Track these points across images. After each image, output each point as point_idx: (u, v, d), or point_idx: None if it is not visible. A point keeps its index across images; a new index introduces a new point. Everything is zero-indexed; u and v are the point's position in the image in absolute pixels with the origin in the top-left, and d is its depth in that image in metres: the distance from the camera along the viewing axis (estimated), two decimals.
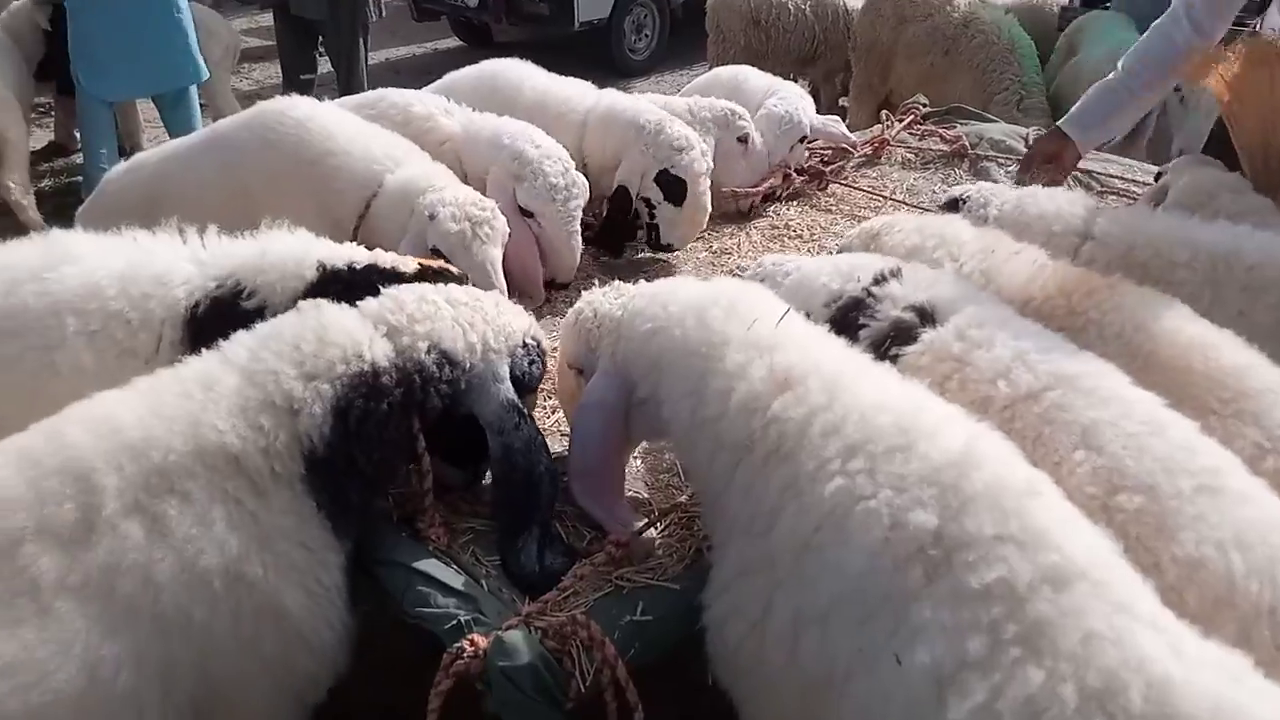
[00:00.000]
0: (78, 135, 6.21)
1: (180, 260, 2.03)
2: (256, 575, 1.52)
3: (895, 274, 2.03)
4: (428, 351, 1.76)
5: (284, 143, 2.73)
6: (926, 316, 1.91)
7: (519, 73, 3.44)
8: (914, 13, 6.03)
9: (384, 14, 6.93)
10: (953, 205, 2.74)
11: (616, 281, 2.01)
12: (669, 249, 3.20)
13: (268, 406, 1.60)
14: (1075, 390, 1.66)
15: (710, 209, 3.19)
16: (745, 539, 1.53)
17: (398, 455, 1.78)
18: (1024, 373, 1.72)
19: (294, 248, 2.11)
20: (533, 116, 3.17)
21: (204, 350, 1.73)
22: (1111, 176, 3.65)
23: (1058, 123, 3.16)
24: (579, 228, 2.89)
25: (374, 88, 3.44)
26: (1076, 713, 1.11)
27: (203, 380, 1.61)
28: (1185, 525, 1.45)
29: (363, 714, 2.15)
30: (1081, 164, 3.36)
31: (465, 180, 2.79)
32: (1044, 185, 2.76)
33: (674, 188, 3.09)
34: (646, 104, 3.28)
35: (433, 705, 1.58)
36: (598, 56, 9.61)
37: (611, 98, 3.32)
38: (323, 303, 1.78)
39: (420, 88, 3.28)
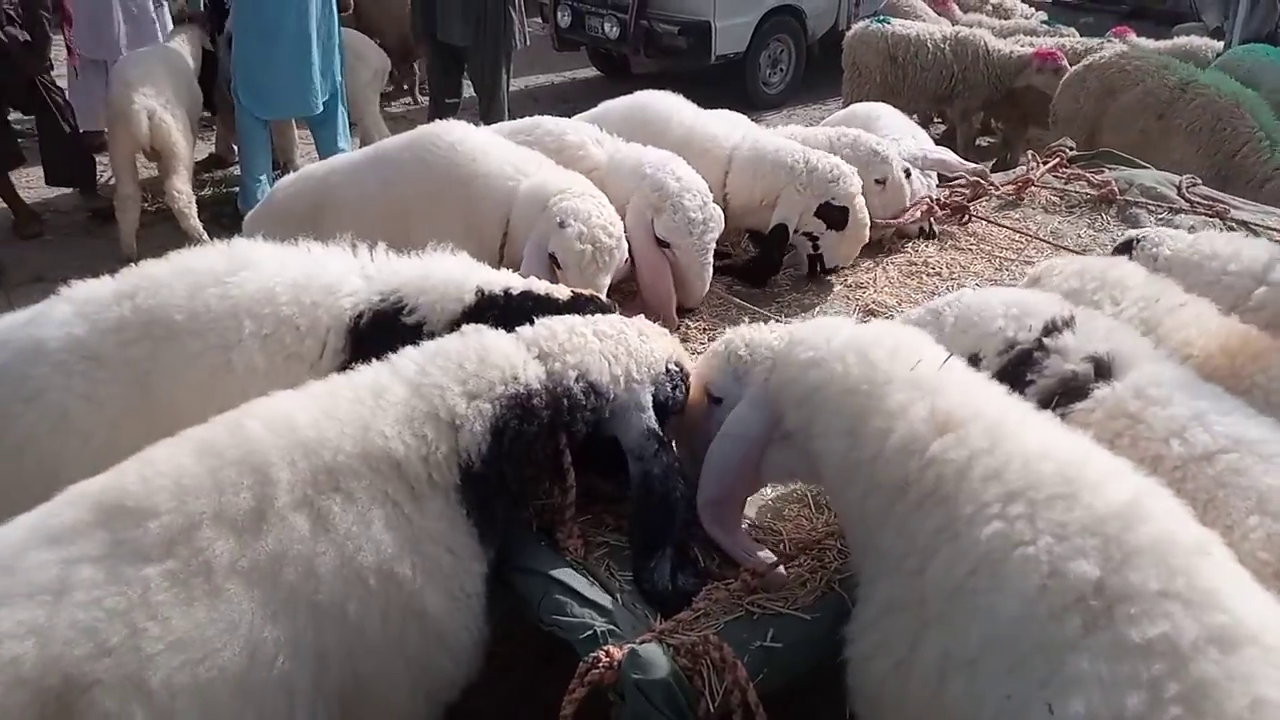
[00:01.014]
0: (236, 149, 6.61)
1: (349, 273, 2.15)
2: (405, 576, 1.58)
3: (1069, 323, 1.97)
4: (576, 380, 1.83)
5: (438, 164, 2.88)
6: (1103, 370, 1.86)
7: (668, 105, 3.53)
8: (1123, 82, 5.82)
9: (528, 43, 7.12)
10: (1126, 247, 2.67)
11: (772, 321, 2.04)
12: (833, 272, 3.29)
13: (432, 419, 1.68)
14: (1253, 455, 1.62)
15: (869, 225, 3.25)
16: (895, 576, 1.52)
17: (543, 473, 1.85)
18: (1200, 433, 1.68)
19: (455, 271, 2.20)
20: (679, 150, 3.26)
21: (364, 359, 1.83)
22: (1270, 228, 3.49)
23: None
24: (711, 259, 2.94)
25: (513, 115, 3.58)
26: None
27: (374, 389, 1.70)
28: None
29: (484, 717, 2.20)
30: (1237, 213, 3.23)
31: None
32: None
33: (837, 215, 3.18)
34: (786, 142, 3.34)
35: (566, 712, 1.61)
36: (732, 89, 9.67)
37: (754, 138, 3.38)
38: (483, 328, 1.86)
39: (557, 115, 3.40)
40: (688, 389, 2.05)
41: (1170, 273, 2.43)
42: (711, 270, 2.96)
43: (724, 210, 3.11)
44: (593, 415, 1.85)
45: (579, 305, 2.20)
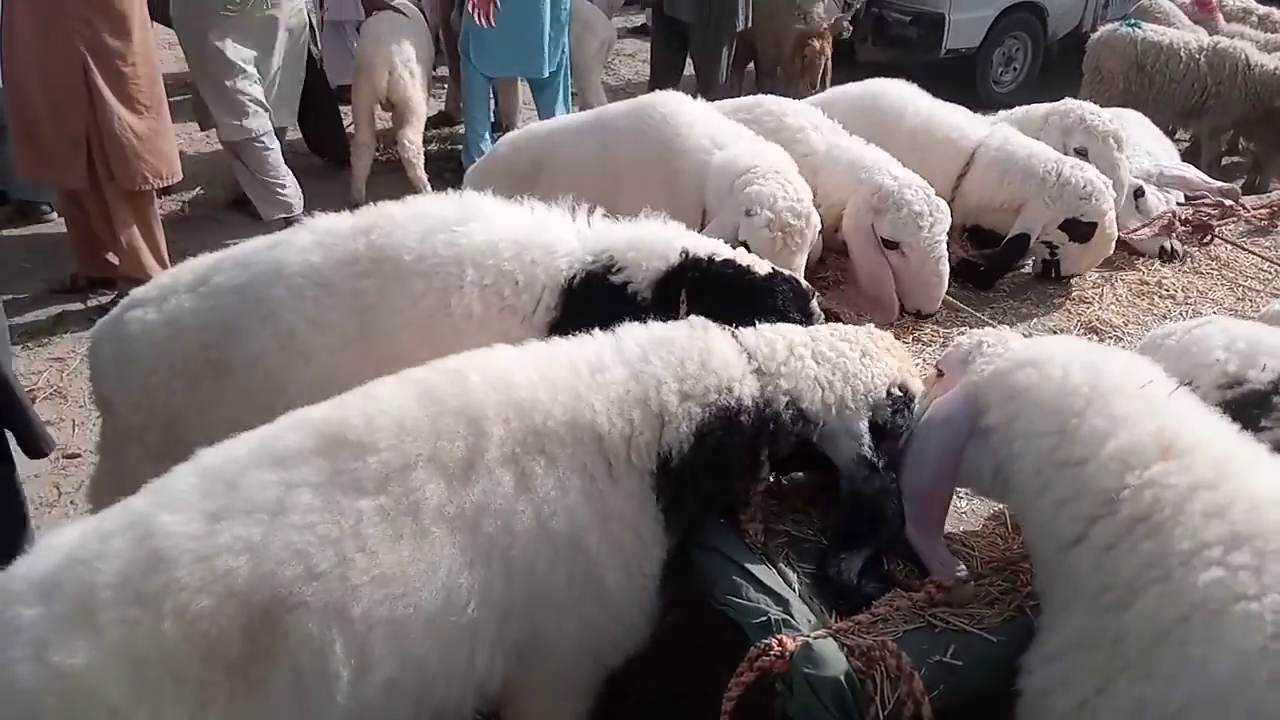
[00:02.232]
0: (462, 108, 6.91)
1: (567, 234, 2.21)
2: (591, 546, 1.63)
3: None
4: (786, 406, 1.82)
5: (650, 133, 2.94)
6: None
7: (902, 94, 3.44)
8: None
9: (750, 23, 7.08)
10: None
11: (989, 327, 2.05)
12: (1066, 279, 3.18)
13: (642, 405, 1.70)
14: None
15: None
16: (1090, 610, 1.45)
17: (739, 480, 1.85)
18: None
19: (663, 233, 2.24)
20: (913, 137, 3.20)
21: (574, 316, 1.89)
22: None
23: None
24: (945, 253, 2.84)
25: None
26: None
27: (593, 363, 1.73)
28: None
29: (641, 688, 2.24)
30: None
31: (814, 197, 2.80)
32: None
33: (1083, 230, 3.07)
34: (1039, 147, 3.20)
35: (731, 694, 1.61)
36: (960, 85, 9.30)
37: (1005, 137, 3.25)
38: (711, 325, 1.86)
39: None
40: (912, 410, 1.95)
41: None
42: (947, 269, 2.86)
43: (951, 205, 3.01)
44: (798, 440, 1.84)
45: (778, 281, 2.20)
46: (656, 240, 2.19)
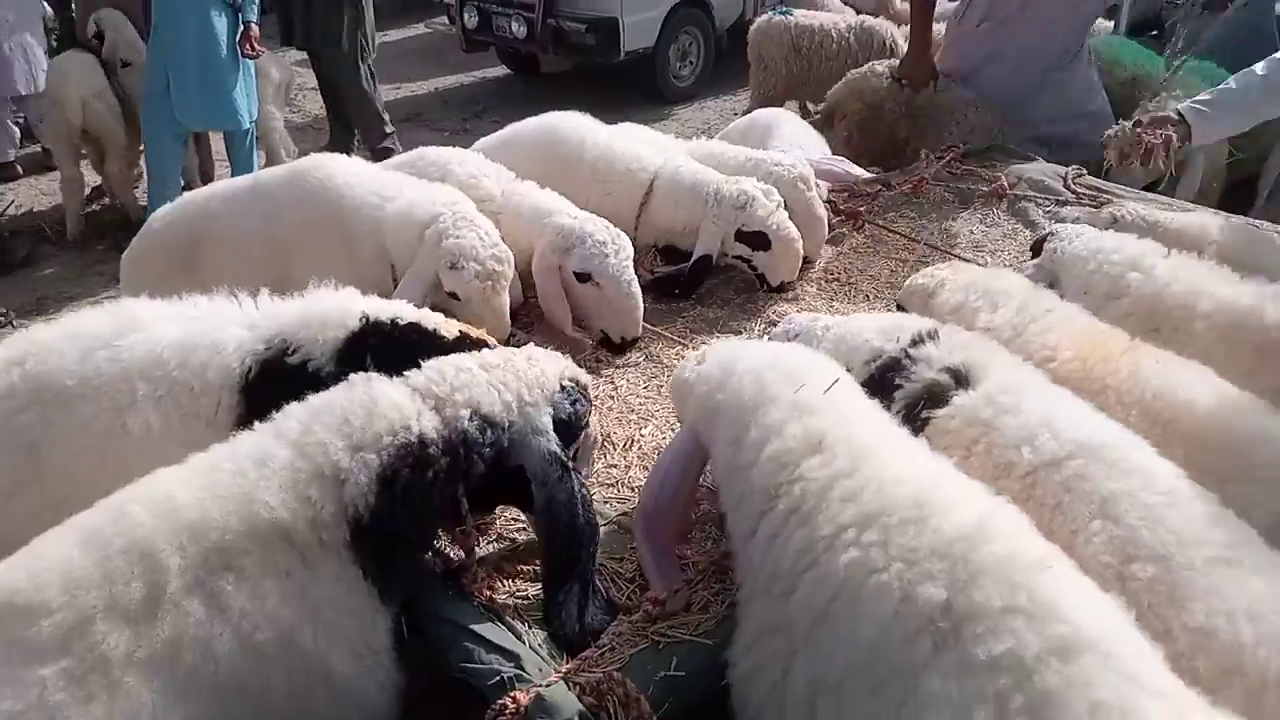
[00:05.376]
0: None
1: (234, 325, 2.15)
2: (307, 643, 1.60)
3: (933, 335, 2.10)
4: (470, 419, 1.83)
5: (313, 201, 2.92)
6: (961, 379, 1.98)
7: (579, 126, 3.56)
8: None
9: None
10: (1038, 246, 2.87)
11: (703, 346, 2.23)
12: (783, 289, 3.34)
13: (316, 478, 1.67)
14: (1098, 460, 1.71)
15: (799, 237, 3.30)
16: (767, 599, 1.61)
17: (442, 521, 1.86)
18: (1049, 440, 1.77)
19: (338, 302, 2.22)
20: (595, 169, 3.33)
21: (260, 408, 1.84)
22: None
23: (1181, 107, 3.28)
24: (634, 277, 2.96)
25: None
26: None
27: (256, 456, 1.69)
28: (1197, 596, 1.50)
29: None
30: (1120, 203, 3.37)
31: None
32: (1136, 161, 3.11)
33: (756, 239, 3.26)
34: (704, 172, 3.40)
35: None
36: (643, 83, 9.73)
37: (675, 165, 3.43)
38: (373, 376, 1.86)
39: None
40: (588, 400, 2.09)
41: (1064, 270, 2.58)
42: (640, 292, 2.97)
43: (642, 231, 3.26)
44: (491, 450, 1.85)
45: (467, 344, 2.22)
46: (331, 311, 2.17)
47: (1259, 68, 3.15)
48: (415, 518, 1.77)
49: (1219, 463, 1.79)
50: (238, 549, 1.58)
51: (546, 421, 1.94)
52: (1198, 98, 3.31)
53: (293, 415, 1.78)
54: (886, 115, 5.03)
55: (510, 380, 1.92)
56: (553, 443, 1.92)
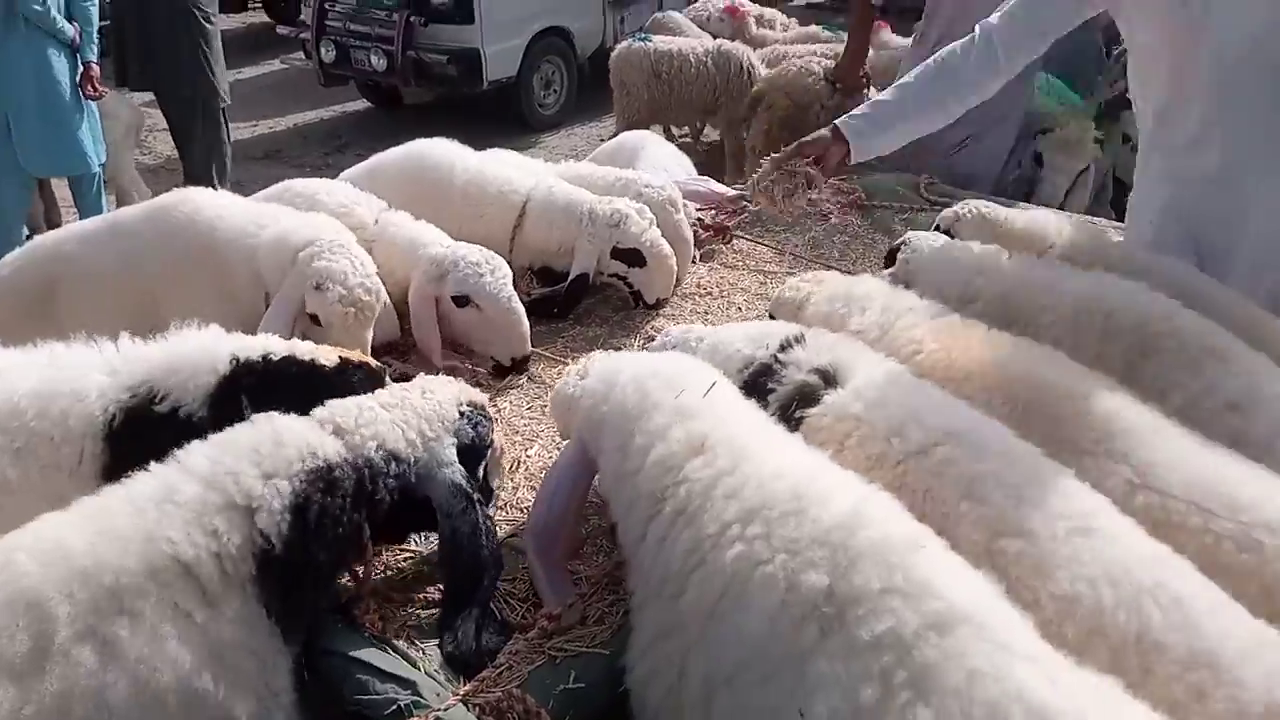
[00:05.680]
0: None
1: (94, 371, 2.06)
2: (207, 689, 1.54)
3: (800, 340, 2.19)
4: (376, 450, 1.84)
5: (180, 236, 2.82)
6: (829, 379, 2.06)
7: (447, 152, 3.53)
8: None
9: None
10: (891, 255, 2.97)
11: (583, 359, 2.25)
12: (659, 305, 3.38)
13: (226, 509, 1.63)
14: (962, 445, 1.81)
15: (674, 254, 3.35)
16: (658, 603, 1.64)
17: (352, 549, 1.83)
18: (915, 430, 1.86)
19: (205, 344, 2.16)
20: (469, 195, 3.32)
21: (126, 459, 1.78)
22: None
23: (837, 121, 3.03)
24: (515, 294, 2.96)
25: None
26: None
27: (157, 495, 1.64)
28: (1060, 565, 1.59)
29: None
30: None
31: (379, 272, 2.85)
32: (782, 189, 2.94)
33: (631, 256, 3.29)
34: (577, 193, 3.43)
35: None
36: (508, 112, 9.78)
37: (548, 187, 3.45)
38: (274, 414, 1.84)
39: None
40: (489, 420, 2.11)
41: (916, 279, 2.71)
42: (523, 309, 2.96)
43: (517, 253, 3.27)
44: (397, 482, 1.87)
45: (349, 369, 2.21)
46: (199, 354, 2.11)
47: (909, 76, 3.02)
48: (328, 545, 1.75)
49: (1076, 438, 1.91)
50: (134, 591, 1.52)
51: (450, 453, 1.95)
52: (854, 112, 3.07)
53: (197, 452, 1.74)
54: (812, 116, 5.08)
55: (410, 418, 1.94)
56: (458, 474, 1.93)
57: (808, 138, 3.06)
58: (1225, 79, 2.64)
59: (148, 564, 1.55)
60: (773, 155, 3.06)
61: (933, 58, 3.03)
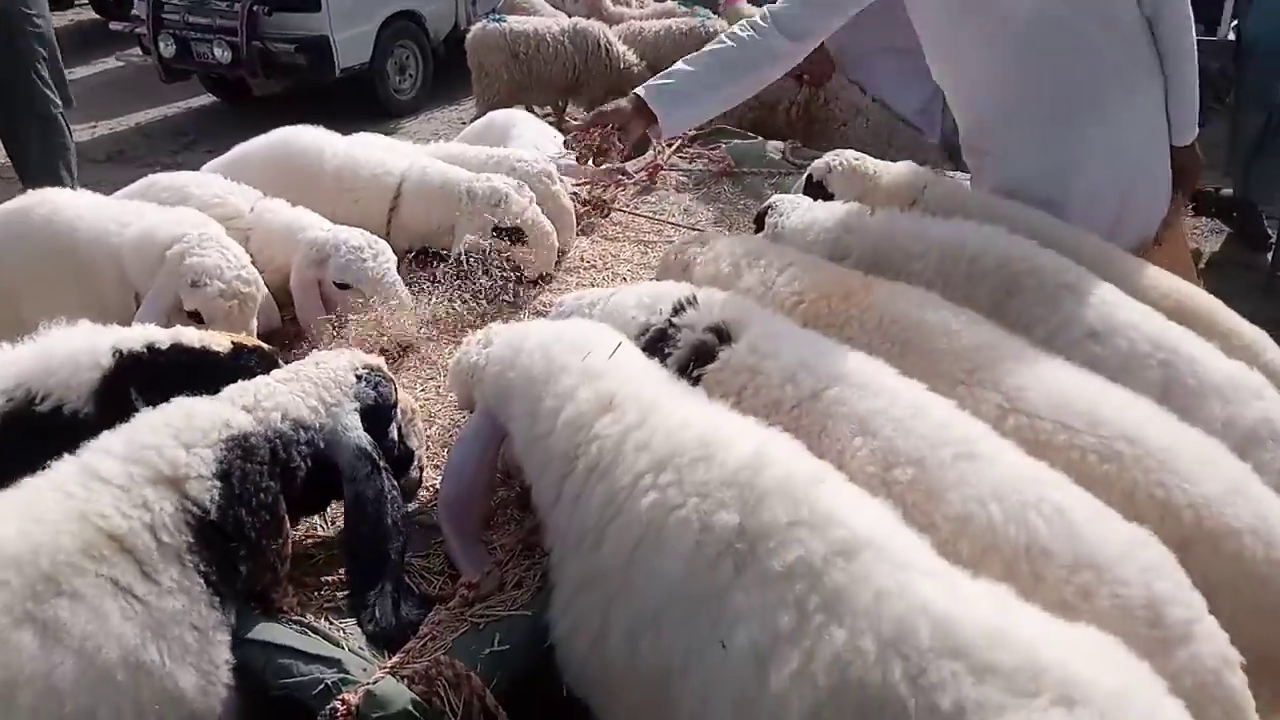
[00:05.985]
0: None
1: None
2: (154, 661, 1.54)
3: (692, 302, 2.26)
4: (282, 420, 1.86)
5: (39, 236, 2.74)
6: (723, 335, 2.14)
7: (315, 137, 3.47)
8: None
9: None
10: (760, 219, 3.05)
11: (483, 329, 2.29)
12: (545, 280, 3.38)
13: (152, 480, 1.64)
14: (850, 386, 1.92)
15: (553, 229, 3.36)
16: (577, 557, 1.70)
17: (276, 518, 1.83)
18: (806, 376, 1.96)
19: (80, 342, 2.10)
20: (341, 179, 3.28)
21: (9, 468, 1.71)
22: None
23: (639, 90, 2.97)
24: (399, 279, 2.95)
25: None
26: (877, 659, 1.32)
27: (80, 477, 1.63)
28: (950, 488, 1.72)
29: None
30: None
31: (254, 261, 2.80)
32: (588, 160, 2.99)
33: (513, 234, 3.30)
34: (453, 171, 3.41)
35: None
36: (364, 99, 9.55)
37: (423, 166, 3.42)
38: (181, 398, 1.83)
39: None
40: (390, 380, 2.12)
41: (786, 242, 2.81)
42: (408, 294, 2.97)
43: (395, 236, 3.22)
44: (308, 449, 1.89)
45: (243, 354, 2.18)
46: (77, 351, 2.05)
47: (714, 43, 3.00)
48: (254, 511, 1.75)
49: (951, 370, 2.05)
50: (71, 569, 1.51)
51: (354, 418, 1.97)
52: (656, 79, 2.98)
53: (107, 437, 1.73)
54: (780, 114, 5.15)
55: (309, 387, 1.95)
56: (362, 439, 1.94)
57: (606, 107, 3.06)
58: (1025, 38, 2.79)
59: (82, 542, 1.54)
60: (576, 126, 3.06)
61: (726, 34, 3.02)
